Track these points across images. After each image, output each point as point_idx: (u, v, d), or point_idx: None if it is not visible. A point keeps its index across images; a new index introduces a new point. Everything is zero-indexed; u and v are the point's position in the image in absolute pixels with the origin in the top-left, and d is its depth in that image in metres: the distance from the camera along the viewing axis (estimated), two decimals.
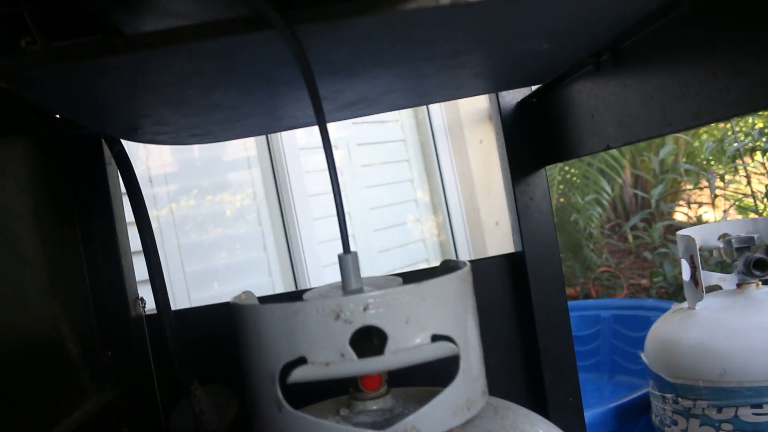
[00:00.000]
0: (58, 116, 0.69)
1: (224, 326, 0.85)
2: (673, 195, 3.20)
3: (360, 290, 0.57)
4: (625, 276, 3.15)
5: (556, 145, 0.75)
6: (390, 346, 0.48)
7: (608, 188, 3.08)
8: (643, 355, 1.18)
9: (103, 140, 0.76)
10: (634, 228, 3.36)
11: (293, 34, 0.36)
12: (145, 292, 0.84)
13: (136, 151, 1.86)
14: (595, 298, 2.89)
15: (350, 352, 0.47)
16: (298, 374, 0.47)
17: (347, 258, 0.56)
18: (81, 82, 0.42)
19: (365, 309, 0.48)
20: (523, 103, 0.81)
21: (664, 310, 1.90)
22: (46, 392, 0.68)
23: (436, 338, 0.50)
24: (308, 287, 2.39)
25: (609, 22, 0.48)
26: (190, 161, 2.18)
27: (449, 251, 3.12)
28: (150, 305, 0.85)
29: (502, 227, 3.02)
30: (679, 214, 3.38)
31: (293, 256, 2.34)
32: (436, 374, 0.56)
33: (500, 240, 3.05)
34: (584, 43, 0.54)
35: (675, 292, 2.30)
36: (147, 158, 1.96)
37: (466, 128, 3.00)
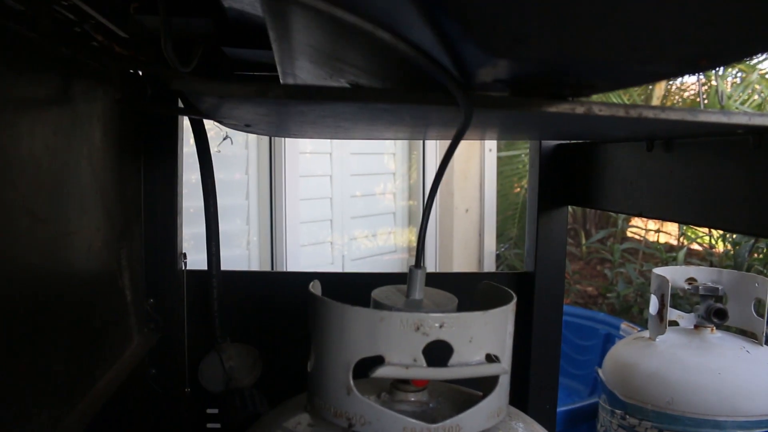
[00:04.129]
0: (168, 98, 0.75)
1: (258, 292, 0.93)
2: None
3: (420, 301, 0.67)
4: (573, 281, 3.33)
5: (586, 193, 0.86)
6: (454, 359, 0.58)
7: None
8: (600, 372, 1.32)
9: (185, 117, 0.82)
10: (589, 236, 3.54)
11: (471, 114, 0.44)
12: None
13: None
14: None
15: (421, 359, 0.57)
16: (382, 371, 0.56)
17: (417, 272, 0.66)
18: (254, 109, 0.50)
19: (441, 326, 0.57)
20: (561, 147, 0.91)
21: (612, 325, 2.08)
22: (109, 329, 0.75)
23: (488, 357, 0.60)
24: (285, 264, 2.44)
25: (681, 131, 0.58)
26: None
27: (415, 228, 3.23)
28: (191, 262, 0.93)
29: (471, 215, 3.15)
30: (631, 233, 3.57)
31: (274, 233, 2.42)
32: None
33: (466, 227, 3.18)
34: (650, 135, 0.64)
35: (623, 310, 2.48)
36: None
37: None
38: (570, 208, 3.25)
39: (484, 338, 0.60)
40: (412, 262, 0.66)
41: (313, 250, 2.63)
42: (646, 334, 1.30)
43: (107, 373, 0.72)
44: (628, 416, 1.20)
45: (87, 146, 0.68)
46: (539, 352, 0.94)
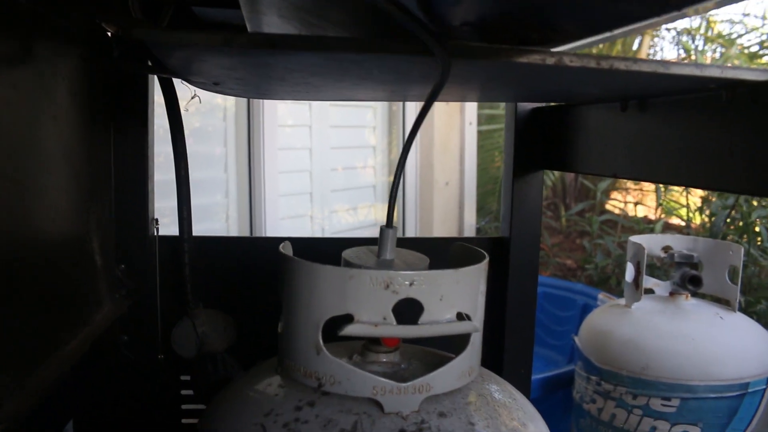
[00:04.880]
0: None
1: (231, 257, 0.92)
2: (612, 186, 3.40)
3: (391, 261, 0.66)
4: (553, 254, 3.35)
5: (562, 156, 0.85)
6: (424, 317, 0.57)
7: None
8: (576, 339, 1.33)
9: (155, 78, 0.80)
10: (568, 209, 3.56)
11: (449, 65, 0.43)
12: None
13: None
14: None
15: (391, 317, 0.57)
16: (351, 329, 0.56)
17: (389, 231, 0.65)
18: (219, 61, 0.48)
19: (411, 284, 0.57)
20: (537, 111, 0.90)
21: (590, 296, 2.09)
22: (78, 293, 0.74)
23: (459, 315, 0.60)
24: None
25: (654, 88, 0.58)
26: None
27: (397, 201, 3.22)
28: (163, 227, 0.91)
29: (451, 188, 3.15)
30: (610, 206, 3.60)
31: (253, 206, 2.40)
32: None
33: (446, 199, 3.18)
34: (623, 93, 0.64)
35: (601, 282, 2.51)
36: None
37: None
38: (549, 181, 3.27)
39: (455, 297, 0.59)
40: None
41: (292, 223, 2.62)
42: (623, 302, 1.31)
43: (75, 338, 0.71)
44: (603, 382, 1.21)
45: (51, 105, 0.66)
46: (514, 317, 0.94)
